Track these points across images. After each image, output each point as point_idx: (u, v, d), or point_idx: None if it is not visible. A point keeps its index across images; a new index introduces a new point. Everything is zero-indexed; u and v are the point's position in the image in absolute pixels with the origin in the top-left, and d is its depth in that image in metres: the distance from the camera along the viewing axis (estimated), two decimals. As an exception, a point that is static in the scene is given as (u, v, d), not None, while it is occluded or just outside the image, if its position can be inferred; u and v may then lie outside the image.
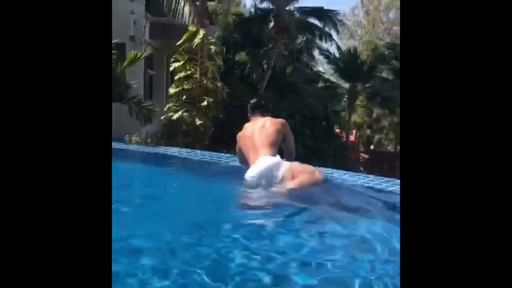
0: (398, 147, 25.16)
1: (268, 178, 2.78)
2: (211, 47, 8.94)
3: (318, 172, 2.92)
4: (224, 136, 8.02)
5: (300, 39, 19.22)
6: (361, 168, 4.28)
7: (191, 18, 8.71)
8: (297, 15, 16.69)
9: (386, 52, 22.19)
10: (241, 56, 16.45)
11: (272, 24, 17.01)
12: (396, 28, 32.08)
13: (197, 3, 9.17)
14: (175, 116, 8.43)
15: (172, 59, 8.70)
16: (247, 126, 3.40)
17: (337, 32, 19.40)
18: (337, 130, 20.09)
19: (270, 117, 3.35)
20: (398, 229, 1.03)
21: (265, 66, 17.14)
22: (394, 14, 31.61)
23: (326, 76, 24.02)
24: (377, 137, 28.87)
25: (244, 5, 22.84)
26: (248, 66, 16.71)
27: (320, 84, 21.65)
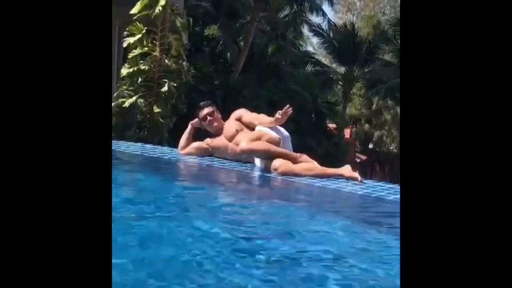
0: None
1: None
2: (174, 18, 8.88)
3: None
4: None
5: (286, 12, 19.31)
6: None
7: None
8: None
9: (390, 30, 22.48)
10: (212, 30, 16.45)
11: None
12: (403, 1, 32.60)
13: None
14: (128, 103, 8.34)
15: (125, 32, 8.58)
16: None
17: (331, 3, 19.62)
18: (332, 125, 20.26)
19: None
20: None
21: (241, 43, 17.20)
22: (400, -17, 32.17)
23: (316, 57, 24.18)
24: (377, 133, 29.34)
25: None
26: (221, 42, 16.71)
27: (309, 68, 21.82)
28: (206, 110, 4.27)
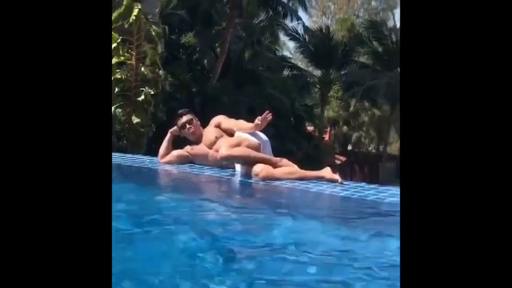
0: (381, 147, 25.86)
1: None
2: (150, 26, 8.85)
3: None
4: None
5: (261, 17, 19.40)
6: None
7: (123, -10, 8.61)
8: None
9: (364, 32, 22.74)
10: (188, 37, 16.41)
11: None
12: (375, 3, 33.01)
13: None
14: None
15: (100, 42, 8.50)
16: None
17: (305, 8, 19.77)
18: (310, 128, 20.39)
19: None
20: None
21: (218, 50, 17.19)
22: (372, -14, 32.51)
23: (293, 61, 24.31)
24: (355, 135, 29.56)
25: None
26: (197, 49, 16.68)
27: (286, 72, 21.92)
28: (184, 118, 4.27)
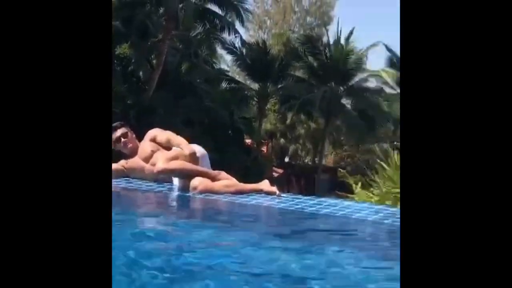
0: (317, 159, 26.38)
1: None
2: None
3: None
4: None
5: (198, 30, 19.41)
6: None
7: None
8: (193, -1, 16.88)
9: (300, 47, 23.25)
10: (123, 48, 16.14)
11: (162, 9, 16.99)
12: (310, 19, 33.88)
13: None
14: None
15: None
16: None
17: (242, 22, 20.00)
18: (248, 141, 20.52)
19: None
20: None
21: (154, 61, 17.01)
22: (307, 1, 33.35)
23: (230, 75, 24.43)
24: (292, 147, 30.03)
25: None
26: (133, 61, 16.44)
27: (224, 85, 22.00)
28: (119, 132, 4.14)
